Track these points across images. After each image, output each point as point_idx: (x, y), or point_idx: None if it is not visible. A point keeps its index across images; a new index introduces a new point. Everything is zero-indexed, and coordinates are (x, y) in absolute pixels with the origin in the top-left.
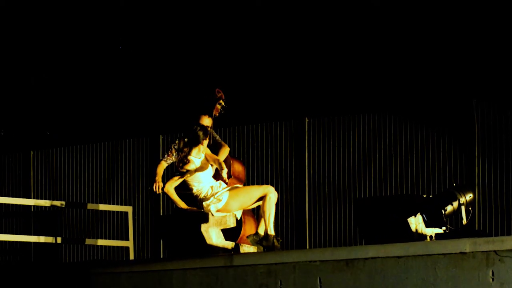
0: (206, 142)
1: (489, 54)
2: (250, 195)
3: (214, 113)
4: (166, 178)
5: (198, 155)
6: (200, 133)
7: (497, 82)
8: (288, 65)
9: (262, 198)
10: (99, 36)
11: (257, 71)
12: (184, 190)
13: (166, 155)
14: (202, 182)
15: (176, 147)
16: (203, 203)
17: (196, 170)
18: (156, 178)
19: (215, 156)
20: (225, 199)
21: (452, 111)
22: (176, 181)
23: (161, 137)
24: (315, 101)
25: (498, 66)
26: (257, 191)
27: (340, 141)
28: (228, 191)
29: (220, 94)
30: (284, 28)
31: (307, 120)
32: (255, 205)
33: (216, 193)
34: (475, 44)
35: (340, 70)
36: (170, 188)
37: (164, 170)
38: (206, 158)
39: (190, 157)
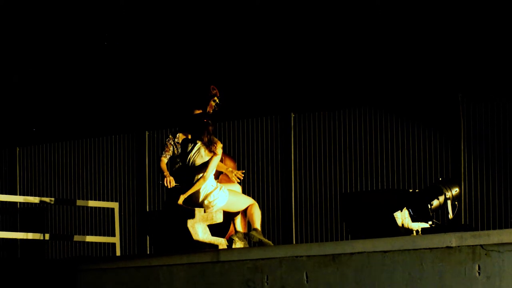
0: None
1: (475, 49)
2: (242, 201)
3: (208, 109)
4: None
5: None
6: (209, 120)
7: (483, 76)
8: (274, 61)
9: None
10: (85, 32)
11: (243, 67)
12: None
13: (164, 152)
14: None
15: (171, 142)
16: (211, 194)
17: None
18: (165, 173)
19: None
20: (228, 195)
21: (437, 105)
22: (214, 168)
23: (147, 133)
24: (301, 96)
25: (484, 60)
26: (247, 200)
27: (326, 136)
28: (227, 189)
29: (215, 91)
30: (270, 25)
31: (293, 115)
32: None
33: (222, 187)
34: (460, 39)
35: (326, 65)
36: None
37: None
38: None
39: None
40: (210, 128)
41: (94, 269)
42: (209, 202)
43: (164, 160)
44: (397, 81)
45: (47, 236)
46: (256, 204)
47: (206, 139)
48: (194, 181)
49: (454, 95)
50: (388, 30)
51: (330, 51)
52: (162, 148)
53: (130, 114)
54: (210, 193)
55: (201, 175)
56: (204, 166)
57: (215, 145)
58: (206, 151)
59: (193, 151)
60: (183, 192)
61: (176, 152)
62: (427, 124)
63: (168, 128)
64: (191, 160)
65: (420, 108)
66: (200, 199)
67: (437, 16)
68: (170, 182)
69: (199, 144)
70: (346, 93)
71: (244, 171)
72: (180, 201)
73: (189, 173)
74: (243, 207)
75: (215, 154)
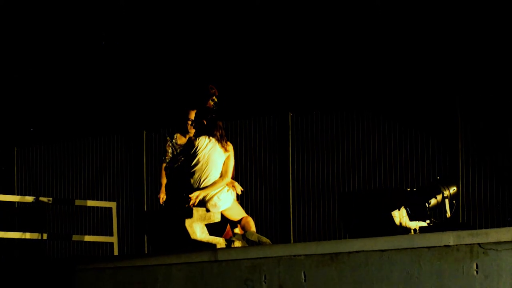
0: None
1: (472, 49)
2: (239, 211)
3: None
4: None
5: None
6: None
7: (480, 75)
8: (272, 61)
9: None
10: (82, 32)
11: (241, 67)
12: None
13: (164, 157)
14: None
15: (169, 144)
16: (221, 193)
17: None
18: (162, 188)
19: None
20: (233, 198)
21: (435, 104)
22: (232, 167)
23: (144, 132)
24: (299, 96)
25: (481, 60)
26: (243, 212)
27: (324, 136)
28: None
29: (213, 91)
30: (269, 25)
31: (290, 114)
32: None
33: (229, 188)
34: (457, 41)
35: (324, 65)
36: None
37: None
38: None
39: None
40: (220, 123)
41: (92, 269)
42: (219, 200)
43: (163, 166)
44: (395, 81)
45: (45, 236)
46: (250, 217)
47: (218, 134)
48: (211, 179)
49: (451, 95)
50: (387, 30)
51: (329, 51)
52: (160, 148)
53: (128, 114)
54: (219, 191)
55: (218, 174)
56: (220, 163)
57: (227, 140)
58: (222, 147)
59: (209, 147)
60: (185, 192)
61: (175, 152)
62: (425, 123)
63: (166, 127)
64: (206, 156)
65: (417, 108)
66: (208, 197)
67: (435, 20)
68: (162, 199)
69: (213, 140)
70: (344, 93)
71: (243, 189)
72: (199, 199)
73: (201, 170)
74: (238, 217)
75: (226, 150)
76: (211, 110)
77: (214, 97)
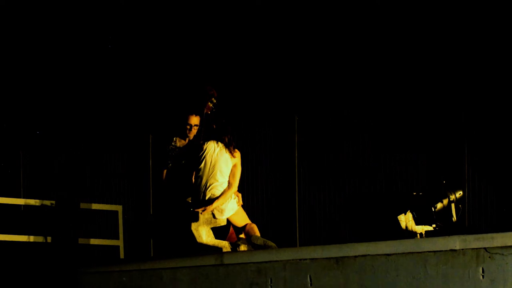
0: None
1: (473, 52)
2: (244, 217)
3: (205, 111)
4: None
5: None
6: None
7: (486, 80)
8: (277, 64)
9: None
10: (88, 36)
11: (246, 70)
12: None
13: (165, 163)
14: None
15: (169, 148)
16: (227, 203)
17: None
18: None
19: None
20: (238, 205)
21: (441, 109)
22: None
23: (150, 136)
24: (305, 99)
25: (487, 65)
26: (247, 219)
27: (330, 139)
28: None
29: (212, 92)
30: (273, 27)
31: (296, 118)
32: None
33: (234, 196)
34: (459, 42)
35: (329, 69)
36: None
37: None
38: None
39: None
40: (229, 128)
41: (97, 272)
42: (226, 207)
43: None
44: (401, 85)
45: (50, 239)
46: (254, 224)
47: (227, 139)
48: (217, 185)
49: (457, 98)
50: (391, 35)
51: (335, 54)
52: (165, 153)
53: (134, 117)
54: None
55: (223, 179)
56: (226, 168)
57: (234, 146)
58: (229, 152)
59: (216, 152)
60: (190, 195)
61: (174, 153)
62: (431, 127)
63: (166, 131)
64: (213, 161)
65: (424, 112)
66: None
67: (437, 23)
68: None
69: (221, 145)
70: (350, 96)
71: (242, 203)
72: (210, 209)
73: (207, 175)
74: (243, 223)
75: (234, 157)
76: (215, 113)
77: (213, 99)
